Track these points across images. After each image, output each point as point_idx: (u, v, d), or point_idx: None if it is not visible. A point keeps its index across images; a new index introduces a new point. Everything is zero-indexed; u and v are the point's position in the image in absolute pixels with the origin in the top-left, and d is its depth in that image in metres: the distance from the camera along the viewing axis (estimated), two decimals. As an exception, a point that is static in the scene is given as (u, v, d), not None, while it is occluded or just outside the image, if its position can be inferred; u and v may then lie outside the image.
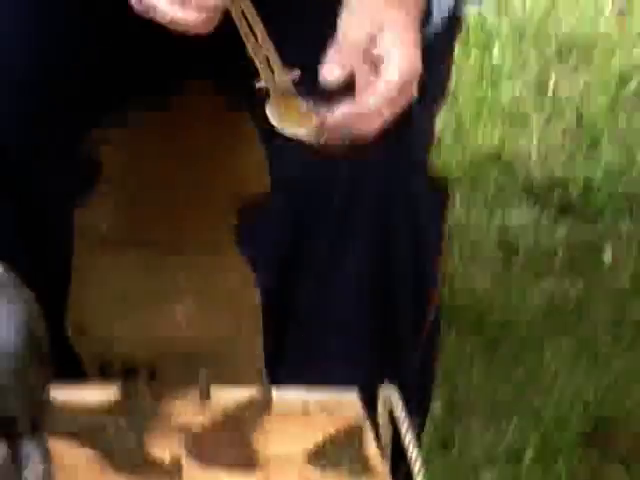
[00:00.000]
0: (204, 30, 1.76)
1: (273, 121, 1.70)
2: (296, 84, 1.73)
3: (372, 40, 1.72)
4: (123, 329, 2.36)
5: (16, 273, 1.58)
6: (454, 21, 2.14)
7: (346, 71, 1.68)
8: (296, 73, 1.71)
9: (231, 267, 2.13)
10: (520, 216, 3.13)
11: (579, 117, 3.43)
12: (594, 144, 3.27)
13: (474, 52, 3.65)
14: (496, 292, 3.07)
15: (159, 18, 1.74)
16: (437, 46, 2.03)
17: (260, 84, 1.73)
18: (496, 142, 3.30)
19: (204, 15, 1.74)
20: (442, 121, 3.25)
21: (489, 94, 3.46)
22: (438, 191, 2.04)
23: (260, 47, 1.75)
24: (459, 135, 3.31)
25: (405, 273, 1.95)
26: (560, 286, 3.10)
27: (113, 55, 2.10)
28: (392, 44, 1.74)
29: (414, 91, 1.74)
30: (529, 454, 2.68)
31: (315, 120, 1.69)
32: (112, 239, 2.32)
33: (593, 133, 3.34)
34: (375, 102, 1.67)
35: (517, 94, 3.50)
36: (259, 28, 1.74)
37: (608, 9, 3.97)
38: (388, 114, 1.68)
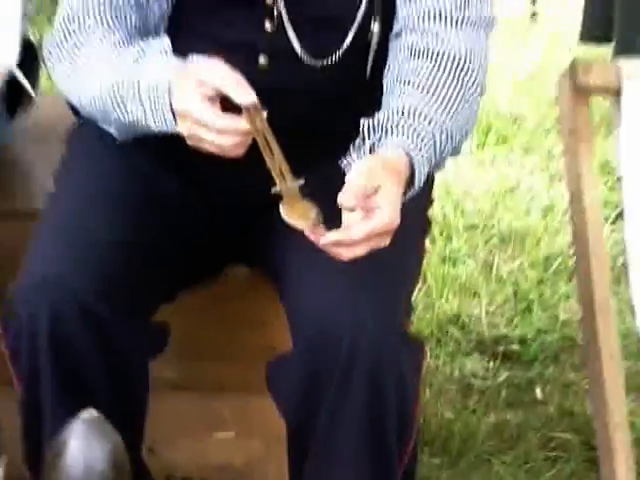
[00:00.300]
0: (238, 152, 2.06)
1: (283, 215, 2.02)
2: (300, 189, 2.05)
3: (371, 193, 1.99)
4: (182, 451, 2.83)
5: (104, 412, 2.01)
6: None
7: (353, 204, 1.99)
8: (301, 181, 2.03)
9: (263, 403, 2.45)
10: (474, 364, 3.50)
11: (516, 289, 3.85)
12: (528, 309, 3.74)
13: (439, 240, 4.05)
14: (457, 421, 3.27)
15: (207, 146, 2.06)
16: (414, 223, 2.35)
17: (275, 189, 2.03)
18: (455, 308, 3.72)
19: (237, 139, 2.03)
20: (416, 294, 3.38)
21: (450, 272, 3.89)
22: (416, 348, 2.30)
23: (275, 161, 2.03)
24: (428, 304, 3.72)
25: (392, 426, 2.22)
26: (504, 416, 3.32)
27: (179, 249, 2.40)
28: (384, 201, 2.00)
29: (387, 241, 2.04)
30: None
31: (312, 217, 2.02)
32: (174, 383, 2.72)
33: (527, 301, 3.79)
34: (360, 237, 1.98)
35: (470, 272, 3.92)
36: (275, 147, 2.01)
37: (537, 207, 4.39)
38: (364, 249, 2.00)
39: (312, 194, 2.08)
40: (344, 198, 1.93)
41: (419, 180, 2.12)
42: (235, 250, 2.48)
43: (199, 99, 2.01)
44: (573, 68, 2.66)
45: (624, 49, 4.63)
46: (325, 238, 1.96)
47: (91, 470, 1.82)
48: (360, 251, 1.96)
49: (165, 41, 2.23)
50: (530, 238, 4.15)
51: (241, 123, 1.99)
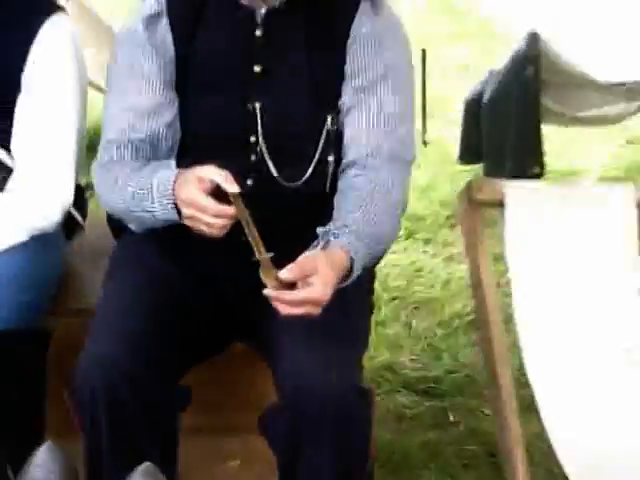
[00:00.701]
0: (223, 232, 2.14)
1: (262, 277, 2.11)
2: (271, 259, 2.12)
3: (312, 272, 2.07)
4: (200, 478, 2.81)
5: (151, 460, 2.11)
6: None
7: (295, 276, 2.08)
8: (271, 254, 2.10)
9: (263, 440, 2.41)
10: (404, 398, 3.65)
11: (430, 342, 4.02)
12: (439, 356, 3.92)
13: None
14: (395, 441, 3.39)
15: (203, 227, 2.14)
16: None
17: (254, 258, 2.10)
18: (388, 358, 3.84)
19: (226, 221, 2.11)
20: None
21: (382, 332, 4.00)
22: (369, 397, 2.35)
23: (254, 238, 2.11)
24: (368, 356, 3.09)
25: (357, 454, 2.31)
26: (428, 436, 3.43)
27: (198, 332, 2.45)
28: (318, 280, 2.07)
29: (318, 310, 2.11)
30: None
31: (276, 279, 2.08)
32: (192, 427, 2.60)
33: (438, 350, 3.96)
34: (292, 300, 2.07)
35: (396, 332, 4.07)
36: (253, 228, 2.09)
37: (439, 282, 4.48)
38: (298, 311, 2.08)
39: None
40: (282, 273, 2.05)
41: (357, 270, 2.19)
42: (236, 331, 2.54)
43: (200, 190, 2.10)
44: (468, 187, 2.83)
45: (492, 171, 4.76)
46: (268, 291, 2.07)
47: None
48: (295, 311, 2.07)
49: (172, 162, 2.39)
50: (436, 304, 4.25)
51: (230, 209, 2.08)
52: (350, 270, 2.20)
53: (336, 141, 2.42)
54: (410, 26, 6.02)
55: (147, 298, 2.39)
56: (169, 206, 2.22)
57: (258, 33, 2.36)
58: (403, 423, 3.49)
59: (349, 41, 2.38)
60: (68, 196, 2.60)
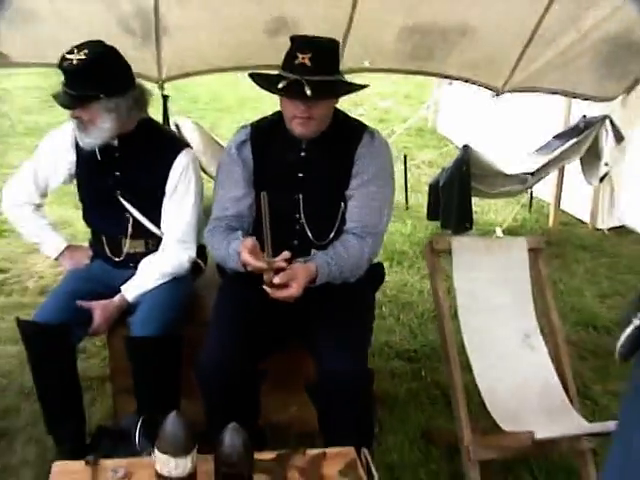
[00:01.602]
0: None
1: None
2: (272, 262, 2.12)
3: (293, 278, 2.17)
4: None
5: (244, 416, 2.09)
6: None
7: (283, 281, 2.14)
8: (274, 259, 2.12)
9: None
10: (397, 363, 3.63)
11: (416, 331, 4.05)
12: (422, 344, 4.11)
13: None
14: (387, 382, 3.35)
15: (249, 268, 2.19)
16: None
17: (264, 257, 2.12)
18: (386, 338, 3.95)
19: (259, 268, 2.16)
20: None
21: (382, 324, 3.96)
22: (371, 374, 2.36)
23: (268, 240, 2.10)
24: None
25: (366, 405, 2.39)
26: (413, 385, 3.39)
27: (270, 333, 2.44)
28: (295, 285, 2.16)
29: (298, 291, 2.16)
30: None
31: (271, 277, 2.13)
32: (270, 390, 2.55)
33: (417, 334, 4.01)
34: (277, 295, 2.15)
35: (391, 325, 3.99)
36: (269, 232, 2.09)
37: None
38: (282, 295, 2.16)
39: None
40: (276, 279, 2.16)
41: (320, 280, 2.30)
42: (292, 333, 2.51)
43: (247, 254, 2.18)
44: (430, 241, 2.93)
45: (444, 225, 4.93)
46: (268, 289, 2.18)
47: (236, 448, 1.86)
48: (278, 295, 2.18)
49: (240, 234, 2.40)
50: (414, 305, 4.26)
51: (258, 263, 2.16)
52: (315, 277, 2.29)
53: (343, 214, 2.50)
54: (398, 142, 6.15)
55: (238, 315, 2.45)
56: (238, 264, 2.32)
57: (302, 154, 2.47)
58: (395, 378, 3.51)
59: (355, 156, 2.45)
60: (192, 253, 2.70)
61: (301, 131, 2.37)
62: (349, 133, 2.50)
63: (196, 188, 2.67)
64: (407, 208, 5.83)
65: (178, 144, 2.70)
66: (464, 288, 2.92)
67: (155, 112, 2.98)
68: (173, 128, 4.50)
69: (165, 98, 4.04)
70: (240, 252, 2.23)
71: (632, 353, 1.73)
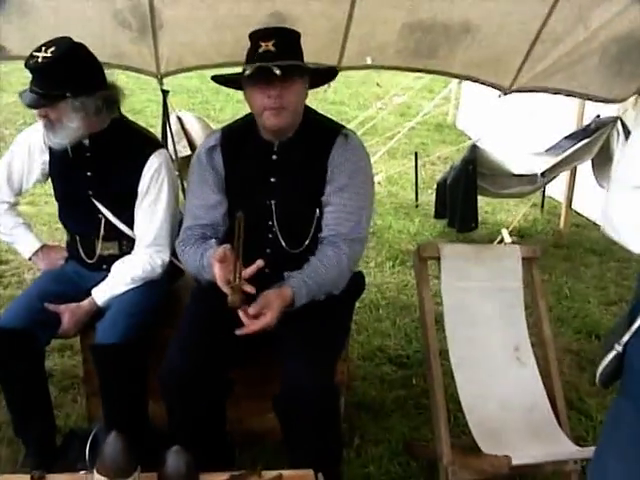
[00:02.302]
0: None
1: (229, 294, 2.00)
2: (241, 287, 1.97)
3: (267, 307, 2.07)
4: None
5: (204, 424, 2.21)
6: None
7: (257, 311, 2.06)
8: (244, 283, 1.97)
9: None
10: (387, 368, 3.57)
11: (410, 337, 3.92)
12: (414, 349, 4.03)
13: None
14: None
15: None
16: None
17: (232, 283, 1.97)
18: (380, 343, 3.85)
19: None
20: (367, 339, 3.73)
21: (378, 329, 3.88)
22: (337, 390, 2.25)
23: (237, 266, 1.96)
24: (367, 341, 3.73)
25: (333, 422, 2.24)
26: (403, 393, 3.25)
27: (235, 344, 2.22)
28: (269, 314, 2.06)
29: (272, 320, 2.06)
30: None
31: (239, 300, 2.00)
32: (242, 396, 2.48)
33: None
34: (252, 328, 2.05)
35: (387, 331, 3.90)
36: (239, 256, 1.96)
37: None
38: (255, 329, 2.06)
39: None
40: (250, 309, 2.08)
41: (298, 302, 2.17)
42: (261, 344, 2.30)
43: (216, 265, 2.05)
44: (418, 248, 2.82)
45: (450, 224, 4.81)
46: (240, 331, 2.07)
47: (179, 471, 1.80)
48: (253, 328, 2.07)
49: (214, 242, 2.30)
50: (413, 308, 4.09)
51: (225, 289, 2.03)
52: (293, 301, 2.17)
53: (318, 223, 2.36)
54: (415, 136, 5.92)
55: (205, 322, 2.34)
56: (211, 275, 2.17)
57: (274, 157, 2.35)
58: (384, 384, 3.38)
59: (329, 160, 2.31)
60: (165, 257, 2.59)
61: (273, 122, 2.23)
62: (322, 135, 2.36)
63: (169, 190, 2.57)
64: (417, 206, 5.68)
65: (151, 145, 2.58)
66: (451, 297, 2.81)
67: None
68: (175, 120, 4.36)
69: (164, 93, 3.89)
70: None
71: (612, 381, 1.68)
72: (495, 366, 2.73)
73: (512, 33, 3.46)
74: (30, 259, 2.81)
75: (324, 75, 2.41)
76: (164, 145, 2.67)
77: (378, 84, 9.37)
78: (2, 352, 2.44)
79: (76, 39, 3.51)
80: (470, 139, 7.22)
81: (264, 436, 2.72)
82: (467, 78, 3.93)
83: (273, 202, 2.33)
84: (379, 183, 5.99)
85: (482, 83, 3.89)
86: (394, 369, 3.51)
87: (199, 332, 2.31)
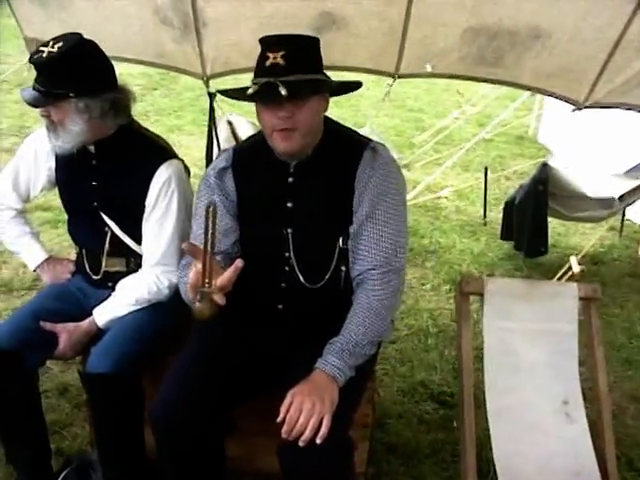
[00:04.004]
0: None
1: (198, 303, 1.65)
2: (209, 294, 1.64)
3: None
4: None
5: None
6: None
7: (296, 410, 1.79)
8: (213, 288, 1.64)
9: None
10: (427, 406, 3.22)
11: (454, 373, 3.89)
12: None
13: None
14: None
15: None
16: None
17: (201, 289, 1.63)
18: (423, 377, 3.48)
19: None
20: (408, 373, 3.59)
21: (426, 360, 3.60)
22: (351, 443, 1.98)
23: (208, 267, 1.61)
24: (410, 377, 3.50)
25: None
26: (441, 436, 2.97)
27: (241, 381, 2.10)
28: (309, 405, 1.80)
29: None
30: None
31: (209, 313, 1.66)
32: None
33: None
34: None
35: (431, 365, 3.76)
36: (211, 256, 1.60)
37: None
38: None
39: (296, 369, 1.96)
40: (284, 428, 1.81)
41: (342, 382, 1.91)
42: (266, 385, 2.15)
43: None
44: (460, 282, 2.58)
45: (517, 247, 4.51)
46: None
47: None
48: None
49: None
50: None
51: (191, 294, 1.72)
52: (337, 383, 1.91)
53: (346, 255, 2.10)
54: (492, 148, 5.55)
55: (206, 359, 2.12)
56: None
57: (290, 180, 2.10)
58: (422, 425, 3.09)
59: (355, 182, 2.05)
60: (173, 278, 2.34)
61: (284, 147, 1.98)
62: (346, 151, 2.09)
63: (179, 204, 2.36)
64: (484, 224, 5.32)
65: (161, 155, 2.38)
66: (493, 338, 2.57)
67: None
68: (225, 126, 4.15)
69: (211, 96, 3.68)
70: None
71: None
72: (538, 421, 2.41)
73: (587, 40, 3.10)
74: (35, 271, 2.63)
75: (346, 87, 2.12)
76: (176, 155, 2.43)
77: (459, 92, 8.97)
78: (-11, 372, 2.27)
79: (117, 36, 3.48)
80: (551, 154, 6.80)
81: (277, 477, 2.33)
82: (536, 90, 3.61)
83: (290, 230, 2.09)
84: (446, 198, 5.66)
85: (553, 96, 3.54)
86: (435, 407, 3.21)
87: (198, 366, 2.08)
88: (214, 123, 3.87)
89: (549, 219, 4.58)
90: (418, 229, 5.21)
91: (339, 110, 7.75)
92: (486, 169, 5.49)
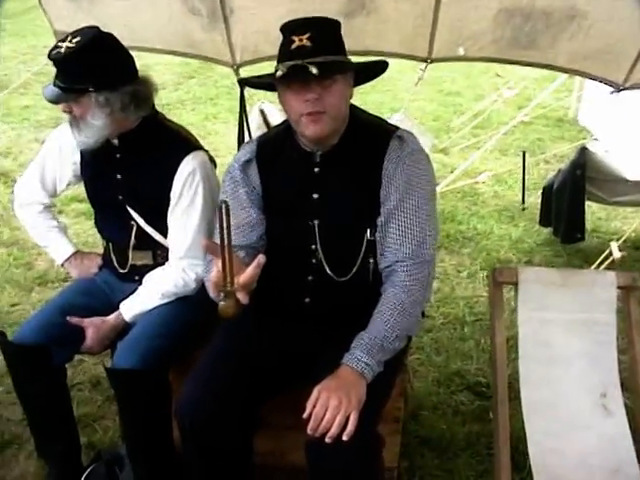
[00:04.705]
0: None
1: (223, 302, 1.62)
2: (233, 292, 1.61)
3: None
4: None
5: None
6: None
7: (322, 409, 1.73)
8: (235, 286, 1.61)
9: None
10: (463, 397, 3.22)
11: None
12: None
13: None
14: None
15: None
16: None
17: (222, 287, 1.60)
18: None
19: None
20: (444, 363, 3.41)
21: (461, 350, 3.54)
22: (380, 440, 1.94)
23: (230, 267, 1.59)
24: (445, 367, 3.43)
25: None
26: (477, 427, 2.94)
27: (267, 378, 2.05)
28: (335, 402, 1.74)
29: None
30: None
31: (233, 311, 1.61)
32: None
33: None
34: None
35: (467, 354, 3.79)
36: (232, 255, 1.59)
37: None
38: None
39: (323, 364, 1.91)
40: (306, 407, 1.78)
41: (369, 377, 1.85)
42: (293, 380, 2.10)
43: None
44: (493, 272, 2.50)
45: (555, 234, 4.42)
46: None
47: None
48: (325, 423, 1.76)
49: None
50: None
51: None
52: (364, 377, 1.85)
53: (374, 248, 2.06)
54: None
55: (232, 354, 2.09)
56: None
57: (316, 170, 2.06)
58: (457, 416, 3.01)
59: (382, 172, 2.01)
60: (200, 271, 2.27)
61: (314, 131, 1.94)
62: (372, 139, 2.04)
63: (204, 196, 2.31)
64: (523, 209, 5.20)
65: (186, 146, 2.33)
66: (528, 329, 2.44)
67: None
68: (257, 114, 4.11)
69: (241, 84, 3.61)
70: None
71: None
72: (575, 414, 2.33)
73: (625, 20, 3.00)
74: (62, 265, 2.62)
75: (373, 69, 2.07)
76: (201, 146, 2.39)
77: (498, 74, 8.78)
78: (16, 369, 2.31)
79: (147, 27, 3.48)
80: (592, 136, 6.62)
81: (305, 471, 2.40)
82: (574, 72, 3.50)
83: (316, 222, 2.05)
84: (484, 182, 5.53)
85: (591, 78, 3.44)
86: (471, 398, 3.12)
87: (224, 361, 2.05)
88: (245, 111, 3.82)
89: (590, 203, 4.48)
90: (455, 215, 5.11)
91: (377, 95, 7.65)
92: (524, 153, 5.37)
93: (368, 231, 2.03)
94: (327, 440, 1.75)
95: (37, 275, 4.08)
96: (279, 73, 1.88)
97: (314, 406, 1.78)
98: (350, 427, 1.74)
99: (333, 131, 1.99)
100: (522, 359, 2.40)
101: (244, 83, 2.10)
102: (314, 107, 1.88)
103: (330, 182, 2.04)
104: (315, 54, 1.85)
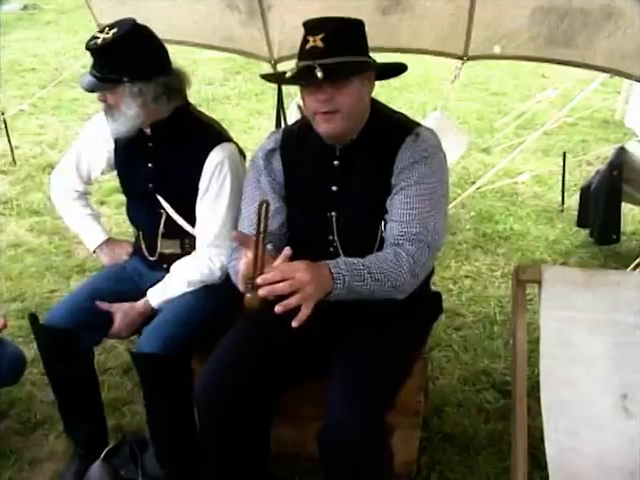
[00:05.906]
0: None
1: (249, 295, 1.66)
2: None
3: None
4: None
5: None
6: None
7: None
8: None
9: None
10: (488, 395, 3.21)
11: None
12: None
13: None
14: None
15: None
16: None
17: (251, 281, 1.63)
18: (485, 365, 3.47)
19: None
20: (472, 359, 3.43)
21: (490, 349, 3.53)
22: (386, 428, 1.98)
23: (258, 260, 1.63)
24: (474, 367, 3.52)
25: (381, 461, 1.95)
26: (499, 426, 2.92)
27: (287, 367, 2.12)
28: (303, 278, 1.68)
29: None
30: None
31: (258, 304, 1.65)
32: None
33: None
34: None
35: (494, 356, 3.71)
36: (262, 249, 1.64)
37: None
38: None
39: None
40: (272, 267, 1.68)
41: (338, 292, 1.81)
42: (311, 369, 2.18)
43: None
44: (516, 269, 2.48)
45: (591, 235, 4.37)
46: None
47: None
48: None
49: None
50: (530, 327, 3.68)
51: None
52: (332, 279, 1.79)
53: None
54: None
55: (250, 342, 2.14)
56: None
57: (335, 163, 2.11)
58: (481, 414, 3.01)
59: (395, 164, 2.04)
60: (226, 260, 2.28)
61: (326, 129, 1.99)
62: (390, 136, 2.08)
63: (232, 187, 2.38)
64: (562, 210, 5.13)
65: (215, 137, 2.40)
66: (550, 328, 2.39)
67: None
68: (295, 110, 4.15)
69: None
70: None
71: None
72: (594, 415, 2.29)
73: (662, 19, 2.96)
74: (94, 252, 2.69)
75: (389, 68, 2.10)
76: (231, 139, 2.46)
77: (544, 75, 8.69)
78: (46, 352, 2.39)
79: (186, 21, 3.55)
80: (637, 138, 6.49)
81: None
82: (611, 71, 3.44)
83: (334, 214, 2.12)
84: (524, 183, 5.48)
85: (629, 78, 3.39)
86: (496, 397, 3.12)
87: (243, 350, 2.10)
88: (282, 106, 3.89)
89: (631, 206, 4.41)
90: (493, 214, 5.07)
91: (422, 94, 7.63)
92: (564, 154, 5.31)
93: (383, 222, 2.07)
94: (276, 309, 1.68)
95: (76, 263, 4.19)
96: (288, 74, 1.95)
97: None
98: (301, 315, 1.71)
99: (347, 129, 2.02)
100: (543, 358, 2.37)
101: (264, 78, 2.12)
102: (326, 107, 1.93)
103: (348, 175, 2.09)
104: (325, 55, 1.88)
